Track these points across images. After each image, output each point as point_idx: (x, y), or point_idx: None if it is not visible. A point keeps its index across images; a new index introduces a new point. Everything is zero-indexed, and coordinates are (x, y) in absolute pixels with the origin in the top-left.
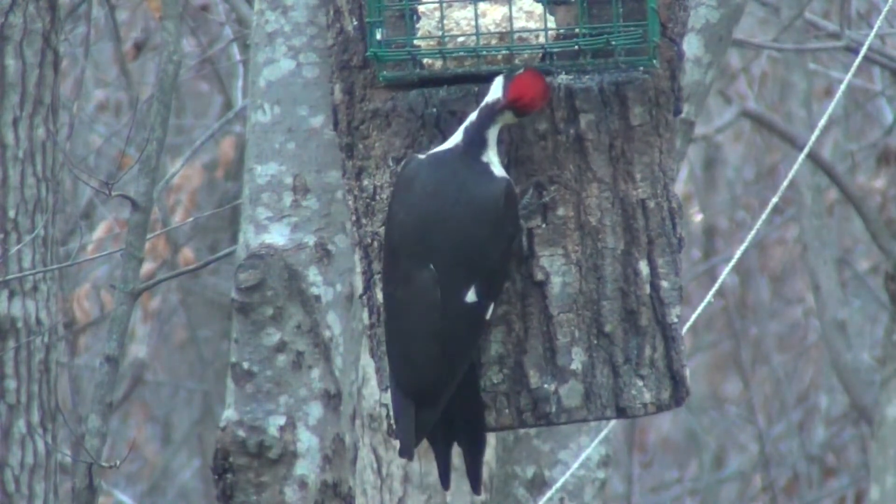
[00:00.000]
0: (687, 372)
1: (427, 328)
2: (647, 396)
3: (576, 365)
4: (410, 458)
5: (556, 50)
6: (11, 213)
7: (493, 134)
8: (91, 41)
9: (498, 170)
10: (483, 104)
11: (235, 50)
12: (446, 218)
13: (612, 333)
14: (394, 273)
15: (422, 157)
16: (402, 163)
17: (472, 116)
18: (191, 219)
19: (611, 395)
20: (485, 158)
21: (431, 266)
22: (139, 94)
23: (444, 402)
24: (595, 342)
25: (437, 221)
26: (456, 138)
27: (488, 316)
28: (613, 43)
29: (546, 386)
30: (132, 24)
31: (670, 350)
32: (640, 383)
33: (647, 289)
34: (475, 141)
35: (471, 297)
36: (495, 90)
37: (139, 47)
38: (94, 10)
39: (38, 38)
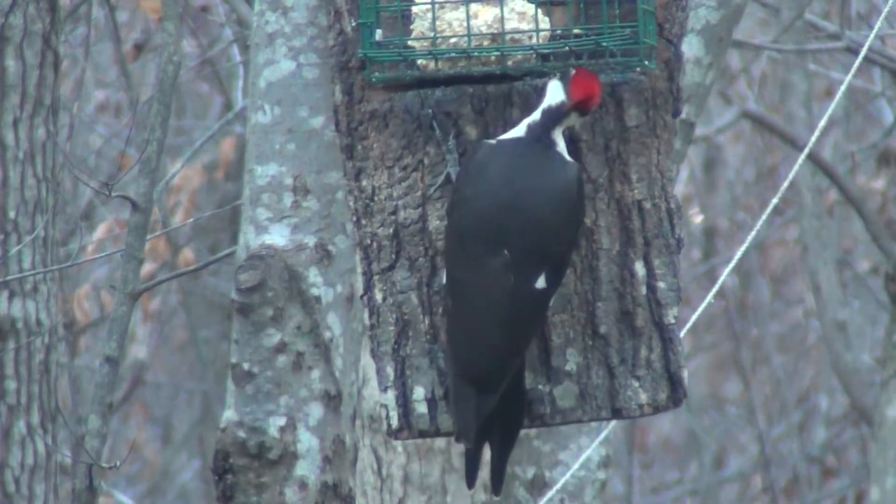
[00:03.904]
0: (685, 373)
1: (497, 314)
2: (644, 397)
3: (570, 366)
4: (470, 443)
5: (547, 51)
6: (11, 214)
7: (558, 134)
8: (91, 42)
9: (568, 157)
10: (545, 107)
11: (235, 51)
12: (523, 204)
13: (607, 334)
14: (462, 258)
15: (493, 142)
16: (471, 148)
17: (536, 116)
18: (191, 220)
19: (606, 396)
20: (558, 149)
21: (506, 252)
22: (139, 95)
23: (503, 388)
24: (590, 343)
25: (513, 208)
26: (519, 131)
27: (551, 303)
28: (604, 44)
29: (540, 387)
30: (132, 24)
31: (667, 351)
32: (636, 384)
33: (644, 290)
34: (542, 140)
35: (541, 283)
36: (555, 93)
37: (139, 48)
38: (94, 11)
39: (38, 39)
